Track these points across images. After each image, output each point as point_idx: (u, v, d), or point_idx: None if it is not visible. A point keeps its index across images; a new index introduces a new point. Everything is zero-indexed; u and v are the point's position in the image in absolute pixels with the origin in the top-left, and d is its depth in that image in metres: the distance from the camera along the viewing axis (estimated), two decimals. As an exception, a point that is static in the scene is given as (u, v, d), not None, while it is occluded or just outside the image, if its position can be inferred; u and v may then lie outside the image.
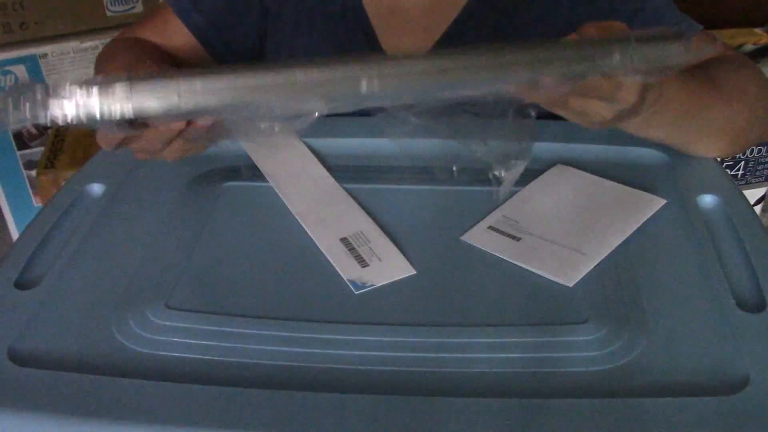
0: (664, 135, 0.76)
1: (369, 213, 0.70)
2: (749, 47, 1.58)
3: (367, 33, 0.87)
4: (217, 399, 0.52)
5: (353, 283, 0.62)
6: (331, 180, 0.75)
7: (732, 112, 0.78)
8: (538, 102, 0.63)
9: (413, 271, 0.63)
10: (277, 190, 0.73)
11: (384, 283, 0.62)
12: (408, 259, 0.64)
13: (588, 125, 0.66)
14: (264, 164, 0.76)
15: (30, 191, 1.60)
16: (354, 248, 0.65)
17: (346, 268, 0.63)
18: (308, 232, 0.68)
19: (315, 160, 0.77)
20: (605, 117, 0.65)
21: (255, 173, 0.76)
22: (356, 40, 0.87)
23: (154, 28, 0.90)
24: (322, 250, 0.65)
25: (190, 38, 0.90)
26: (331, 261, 0.64)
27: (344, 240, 0.66)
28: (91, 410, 0.51)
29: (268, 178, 0.74)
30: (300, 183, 0.74)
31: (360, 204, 0.71)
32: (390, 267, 0.63)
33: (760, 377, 0.52)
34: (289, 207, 0.71)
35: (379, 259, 0.64)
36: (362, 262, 0.64)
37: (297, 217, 0.69)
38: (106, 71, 0.79)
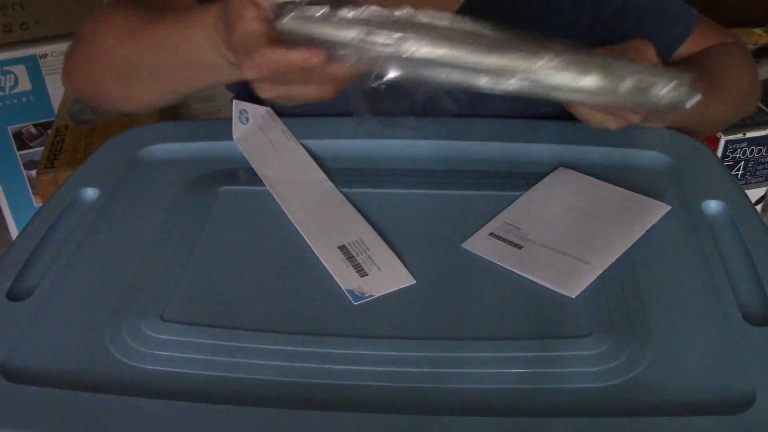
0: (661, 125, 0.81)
1: (366, 218, 0.69)
2: (749, 47, 1.57)
3: None
4: (213, 416, 0.51)
5: (352, 293, 0.61)
6: (329, 184, 0.73)
7: (725, 109, 0.84)
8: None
9: (413, 281, 0.62)
10: (274, 195, 0.72)
11: (383, 293, 0.61)
12: (407, 268, 0.63)
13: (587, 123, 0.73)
14: (261, 168, 0.75)
15: (30, 191, 1.59)
16: (353, 257, 0.64)
17: (345, 278, 0.62)
18: (306, 239, 0.66)
19: (313, 163, 0.76)
20: (608, 127, 0.70)
21: (251, 177, 0.75)
22: None
23: None
24: (320, 259, 0.64)
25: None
26: (330, 270, 0.63)
27: (343, 248, 0.65)
28: (85, 429, 0.50)
29: (265, 182, 0.73)
30: (298, 188, 0.73)
31: (358, 209, 0.70)
32: (389, 277, 0.62)
33: (766, 395, 0.51)
34: (286, 213, 0.70)
35: (379, 269, 0.63)
36: (361, 272, 0.63)
37: (294, 224, 0.68)
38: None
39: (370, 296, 0.60)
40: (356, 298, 0.60)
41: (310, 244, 0.66)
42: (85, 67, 0.80)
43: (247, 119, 0.80)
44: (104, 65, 0.77)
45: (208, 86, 0.75)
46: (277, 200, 0.71)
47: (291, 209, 0.70)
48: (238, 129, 0.79)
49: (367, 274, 0.62)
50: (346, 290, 0.61)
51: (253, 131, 0.79)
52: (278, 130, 0.79)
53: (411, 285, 0.62)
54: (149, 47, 0.73)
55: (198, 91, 0.78)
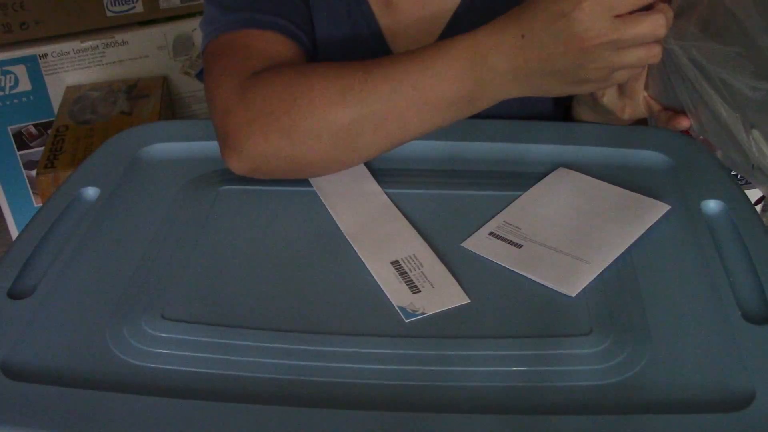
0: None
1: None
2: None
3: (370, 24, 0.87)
4: (214, 414, 0.51)
5: (403, 310, 0.59)
6: (385, 197, 0.71)
7: None
8: None
9: (467, 300, 0.60)
10: (327, 207, 0.70)
11: (436, 311, 0.59)
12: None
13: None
14: (315, 178, 0.74)
15: (30, 191, 1.59)
16: (405, 272, 0.63)
17: (397, 294, 0.60)
18: (358, 253, 0.65)
19: (368, 174, 0.74)
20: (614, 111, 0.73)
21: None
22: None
23: (260, 56, 0.77)
24: (372, 273, 0.63)
25: (293, 49, 0.81)
26: (381, 286, 0.61)
27: (395, 263, 0.64)
28: (86, 427, 0.50)
29: (318, 193, 0.72)
30: (352, 200, 0.71)
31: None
32: (443, 294, 0.60)
33: (766, 392, 0.51)
34: (339, 226, 0.68)
35: (432, 286, 0.61)
36: (414, 288, 0.61)
37: (347, 237, 0.67)
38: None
39: (422, 314, 0.59)
40: (408, 315, 0.59)
41: (362, 258, 0.64)
42: (282, 142, 0.70)
43: None
44: (316, 134, 0.69)
45: (432, 130, 0.72)
46: (330, 212, 0.70)
47: (343, 222, 0.68)
48: None
49: (419, 291, 0.61)
50: (398, 307, 0.59)
51: None
52: None
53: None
54: (378, 96, 0.68)
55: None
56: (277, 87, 0.71)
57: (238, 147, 0.71)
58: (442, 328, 0.58)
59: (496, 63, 0.65)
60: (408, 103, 0.68)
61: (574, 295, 0.60)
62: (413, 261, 0.64)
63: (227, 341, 0.57)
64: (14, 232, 1.63)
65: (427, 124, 0.70)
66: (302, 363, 0.55)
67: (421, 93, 0.68)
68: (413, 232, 0.67)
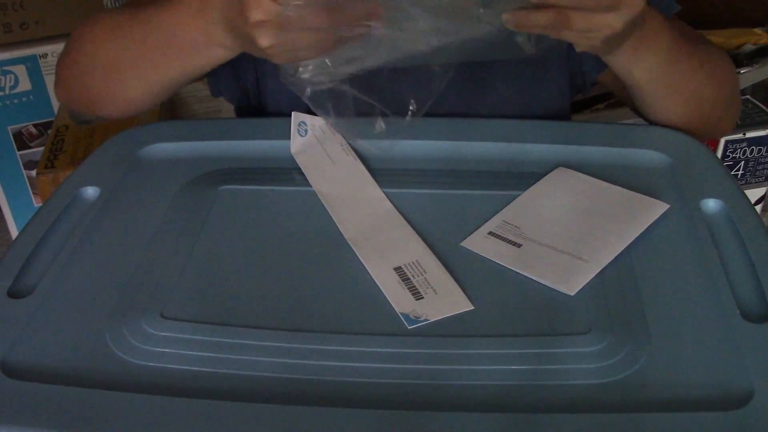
0: (646, 73, 0.76)
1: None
2: (749, 47, 1.56)
3: None
4: (214, 413, 0.51)
5: (406, 317, 0.58)
6: (388, 203, 0.71)
7: (702, 77, 0.79)
8: (536, 29, 0.67)
9: (471, 307, 0.59)
10: (329, 212, 0.70)
11: (439, 318, 0.58)
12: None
13: (592, 48, 0.69)
14: (317, 183, 0.74)
15: (30, 191, 1.59)
16: (408, 279, 0.62)
17: (399, 301, 0.60)
18: (360, 259, 0.64)
19: (372, 180, 0.74)
20: (615, 28, 0.66)
21: (249, 176, 0.75)
22: None
23: None
24: (375, 279, 0.62)
25: None
26: (384, 292, 0.61)
27: (398, 269, 0.63)
28: (85, 425, 0.51)
29: (320, 198, 0.72)
30: (354, 205, 0.71)
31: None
32: (446, 301, 0.60)
33: (764, 391, 0.51)
34: (342, 232, 0.68)
35: (435, 292, 0.61)
36: (416, 294, 0.60)
37: (349, 243, 0.66)
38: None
39: (425, 320, 0.58)
40: (411, 321, 0.58)
41: (365, 264, 0.64)
42: (73, 70, 0.80)
43: (306, 131, 0.78)
44: (90, 66, 0.78)
45: (189, 77, 0.76)
46: (333, 217, 0.69)
47: (346, 227, 0.68)
48: (296, 142, 0.78)
49: (422, 297, 0.60)
50: (401, 313, 0.59)
51: (311, 144, 0.77)
52: (337, 143, 0.77)
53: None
54: (133, 35, 0.74)
55: (181, 87, 0.78)
56: (85, 26, 0.79)
57: (55, 84, 0.83)
58: (441, 327, 0.58)
59: (213, 6, 0.68)
60: (155, 45, 0.73)
61: (573, 294, 0.60)
62: (416, 267, 0.63)
63: (226, 340, 0.57)
64: (14, 232, 1.63)
65: (175, 67, 0.75)
66: (302, 362, 0.55)
67: (164, 36, 0.72)
68: (417, 238, 0.67)
